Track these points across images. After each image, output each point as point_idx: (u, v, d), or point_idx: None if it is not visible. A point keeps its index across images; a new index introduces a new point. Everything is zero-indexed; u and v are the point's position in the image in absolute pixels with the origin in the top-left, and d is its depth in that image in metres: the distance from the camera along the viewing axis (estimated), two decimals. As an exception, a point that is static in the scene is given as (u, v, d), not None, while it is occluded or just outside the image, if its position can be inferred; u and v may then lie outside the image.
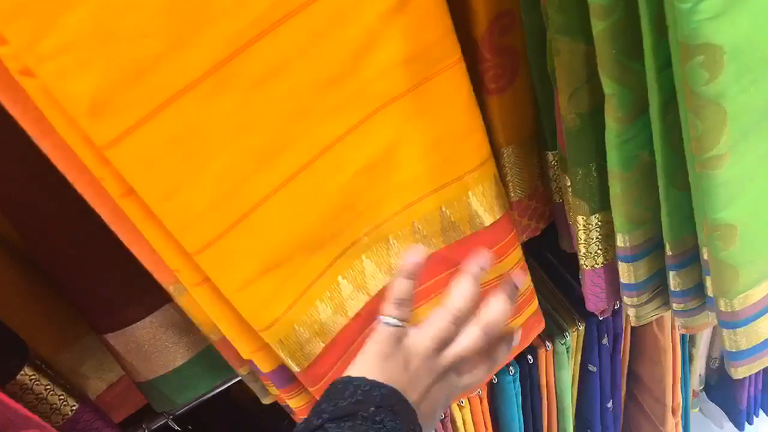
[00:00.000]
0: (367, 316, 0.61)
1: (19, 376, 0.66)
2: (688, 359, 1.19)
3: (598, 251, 0.68)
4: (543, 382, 1.04)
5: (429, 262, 0.61)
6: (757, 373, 1.35)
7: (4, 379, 0.66)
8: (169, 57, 0.42)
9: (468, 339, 0.56)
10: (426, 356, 0.54)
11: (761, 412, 1.46)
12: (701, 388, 1.48)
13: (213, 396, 0.87)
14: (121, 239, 0.51)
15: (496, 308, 0.57)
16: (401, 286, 0.57)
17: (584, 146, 0.59)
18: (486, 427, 1.04)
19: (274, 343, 0.55)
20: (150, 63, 0.41)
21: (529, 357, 0.97)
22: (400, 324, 0.55)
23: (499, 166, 0.70)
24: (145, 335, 0.69)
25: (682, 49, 0.44)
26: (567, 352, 0.99)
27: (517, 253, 0.66)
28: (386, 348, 0.54)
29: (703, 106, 0.46)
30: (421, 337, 0.55)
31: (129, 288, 0.59)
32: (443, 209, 0.60)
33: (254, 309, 0.53)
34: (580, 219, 0.65)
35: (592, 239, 0.66)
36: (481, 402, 0.99)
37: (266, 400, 0.74)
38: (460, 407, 0.97)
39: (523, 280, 0.70)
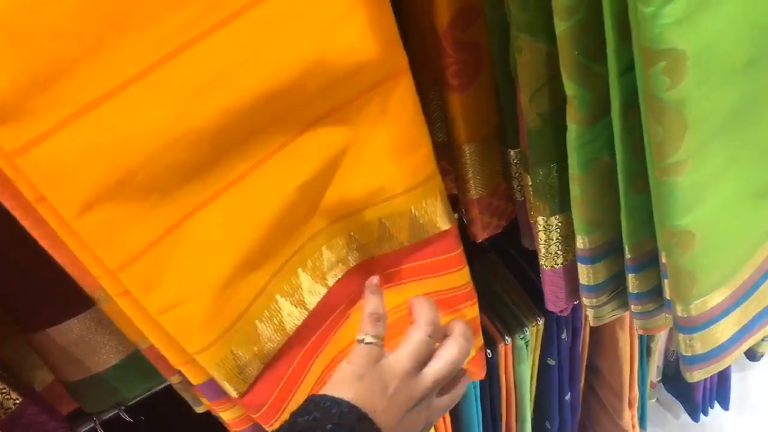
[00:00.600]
0: (305, 332, 0.59)
1: (-43, 371, 0.64)
2: (646, 353, 1.21)
3: (558, 252, 0.67)
4: (502, 376, 1.04)
5: (361, 270, 0.61)
6: (713, 367, 1.37)
7: (-57, 373, 0.63)
8: (89, 60, 0.38)
9: (449, 353, 0.55)
10: (406, 376, 0.52)
11: (716, 404, 1.48)
12: (659, 379, 1.50)
13: (167, 387, 0.86)
14: (39, 242, 0.47)
15: (463, 324, 0.57)
16: (374, 301, 0.55)
17: (545, 147, 0.57)
18: (444, 420, 1.04)
19: (209, 367, 0.52)
20: (66, 66, 0.38)
21: (489, 351, 0.97)
22: (376, 341, 0.53)
23: (461, 163, 0.69)
24: (73, 335, 0.66)
25: (645, 54, 0.43)
26: (526, 346, 0.99)
27: (463, 276, 0.63)
28: (361, 368, 0.51)
29: (663, 112, 0.45)
30: (399, 357, 0.53)
31: (56, 286, 0.56)
32: (382, 221, 0.58)
33: (186, 331, 0.50)
34: (540, 220, 0.64)
35: (552, 240, 0.65)
36: (439, 395, 0.98)
37: (199, 409, 0.71)
38: (418, 401, 0.96)
39: (470, 310, 0.67)
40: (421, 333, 0.54)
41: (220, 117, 0.44)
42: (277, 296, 0.55)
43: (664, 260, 0.59)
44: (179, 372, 0.58)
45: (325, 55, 0.47)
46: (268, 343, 0.55)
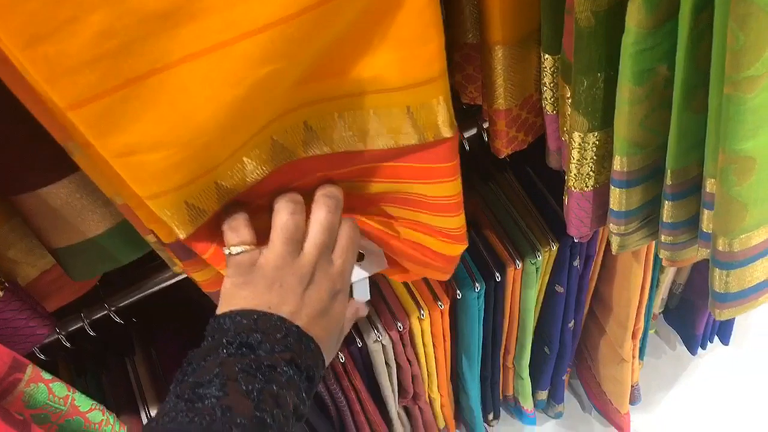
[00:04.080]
0: (264, 185, 0.56)
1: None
2: (655, 285, 1.17)
3: (590, 173, 0.61)
4: (508, 300, 1.01)
5: (344, 158, 0.57)
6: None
7: None
8: None
9: (316, 217, 0.54)
10: (285, 261, 0.52)
11: (715, 338, 1.47)
12: (661, 311, 1.48)
13: (161, 289, 0.82)
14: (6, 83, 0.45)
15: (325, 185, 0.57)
16: (229, 212, 0.54)
17: (594, 52, 0.51)
18: (445, 339, 1.02)
19: (160, 212, 0.51)
20: None
21: (498, 275, 0.93)
22: (244, 249, 0.52)
23: (490, 67, 0.62)
24: (60, 198, 0.62)
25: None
26: (536, 272, 0.95)
27: (454, 186, 0.59)
28: (239, 278, 0.51)
29: (750, 14, 0.38)
30: (272, 247, 0.52)
31: (41, 146, 0.53)
32: (375, 112, 0.53)
33: (139, 178, 0.48)
34: (576, 136, 0.58)
35: (586, 159, 0.59)
36: (442, 315, 0.95)
37: (175, 269, 0.72)
38: (420, 320, 0.93)
39: (454, 220, 0.63)
40: (282, 215, 0.53)
41: None
42: (245, 158, 0.52)
43: (710, 189, 0.54)
44: (153, 232, 0.58)
45: None
46: (224, 196, 0.54)
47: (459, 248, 0.66)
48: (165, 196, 0.50)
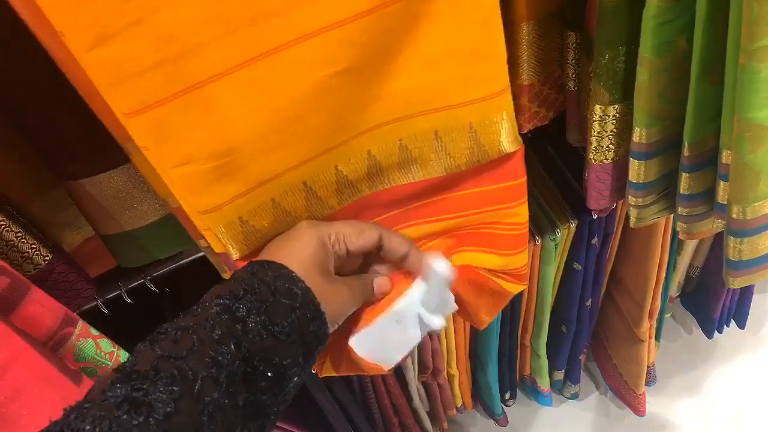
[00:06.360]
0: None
1: (-13, 222, 0.63)
2: (672, 266, 1.19)
3: (610, 146, 0.64)
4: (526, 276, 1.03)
5: (407, 191, 0.57)
6: (735, 286, 1.36)
7: (-28, 224, 0.62)
8: None
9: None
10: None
11: (732, 322, 1.48)
12: (677, 294, 1.50)
13: (193, 261, 0.85)
14: (73, 82, 0.45)
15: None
16: None
17: (617, 26, 0.53)
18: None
19: (215, 228, 0.51)
20: None
21: (517, 250, 0.95)
22: None
23: (515, 43, 0.64)
24: (114, 186, 0.65)
25: None
26: (555, 248, 0.98)
27: (522, 211, 0.58)
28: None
29: (765, -15, 0.40)
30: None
31: (99, 134, 0.53)
32: (438, 134, 0.52)
33: (193, 190, 0.48)
34: (597, 108, 0.60)
35: (606, 132, 0.62)
36: (463, 290, 0.98)
37: (225, 276, 0.71)
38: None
39: (518, 257, 0.62)
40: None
41: None
42: (304, 182, 0.52)
43: (725, 160, 0.56)
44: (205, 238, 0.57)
45: None
46: (281, 221, 0.53)
47: (518, 287, 0.64)
48: (219, 210, 0.49)
